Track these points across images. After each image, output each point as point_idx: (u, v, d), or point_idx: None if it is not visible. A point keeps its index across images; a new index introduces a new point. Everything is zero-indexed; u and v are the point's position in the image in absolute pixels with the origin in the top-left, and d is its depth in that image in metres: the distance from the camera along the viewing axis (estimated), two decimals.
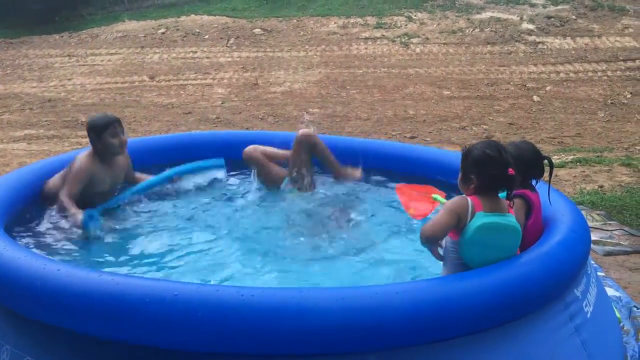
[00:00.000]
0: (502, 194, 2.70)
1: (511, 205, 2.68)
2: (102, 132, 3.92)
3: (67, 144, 8.59)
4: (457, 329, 2.38)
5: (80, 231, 3.68)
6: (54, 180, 3.99)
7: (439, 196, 3.32)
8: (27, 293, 2.50)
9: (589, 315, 2.77)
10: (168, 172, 4.34)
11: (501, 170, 2.59)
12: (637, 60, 12.72)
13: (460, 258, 2.65)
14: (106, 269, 3.25)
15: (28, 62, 14.48)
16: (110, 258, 3.56)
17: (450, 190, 3.41)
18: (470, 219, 2.58)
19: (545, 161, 3.05)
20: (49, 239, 3.70)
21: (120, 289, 2.32)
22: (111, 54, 14.57)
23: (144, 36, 15.66)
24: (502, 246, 2.64)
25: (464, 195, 2.68)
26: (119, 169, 4.13)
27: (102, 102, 11.19)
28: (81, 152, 4.04)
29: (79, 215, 3.68)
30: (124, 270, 3.37)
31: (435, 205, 3.26)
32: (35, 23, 17.33)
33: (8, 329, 2.61)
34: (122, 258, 3.56)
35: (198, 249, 3.70)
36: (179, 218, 4.14)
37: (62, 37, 16.39)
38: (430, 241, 2.70)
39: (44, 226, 3.83)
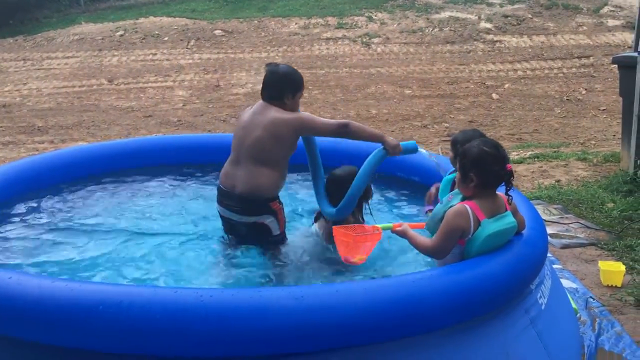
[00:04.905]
0: None
1: (509, 201, 2.72)
2: (299, 91, 3.52)
3: (24, 150, 8.38)
4: (419, 327, 2.39)
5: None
6: (262, 181, 3.38)
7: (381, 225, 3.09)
8: None
9: (543, 307, 2.82)
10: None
11: (501, 166, 2.64)
12: (590, 57, 13.06)
13: (462, 254, 2.70)
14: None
15: None
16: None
17: None
18: (474, 229, 2.62)
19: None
20: (10, 245, 3.61)
21: (75, 295, 2.27)
22: (68, 57, 14.27)
23: (102, 39, 15.38)
24: (503, 241, 2.74)
25: (459, 203, 2.67)
26: None
27: (59, 107, 10.96)
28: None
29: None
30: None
31: (380, 232, 3.03)
32: None
33: None
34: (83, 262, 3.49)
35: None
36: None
37: (16, 40, 15.99)
38: (438, 258, 2.75)
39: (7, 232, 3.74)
